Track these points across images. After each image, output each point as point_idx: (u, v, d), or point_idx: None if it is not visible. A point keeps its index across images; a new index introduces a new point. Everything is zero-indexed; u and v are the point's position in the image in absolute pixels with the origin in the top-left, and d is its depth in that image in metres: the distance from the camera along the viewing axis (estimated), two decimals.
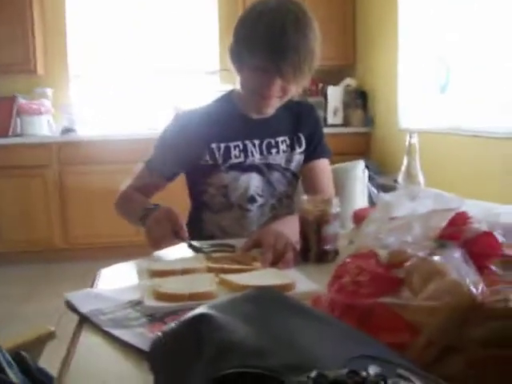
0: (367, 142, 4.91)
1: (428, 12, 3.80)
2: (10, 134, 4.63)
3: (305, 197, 1.27)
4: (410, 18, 4.06)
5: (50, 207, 4.55)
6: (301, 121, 1.72)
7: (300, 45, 1.46)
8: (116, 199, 1.66)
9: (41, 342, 1.05)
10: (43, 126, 4.69)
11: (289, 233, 1.30)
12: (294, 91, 1.60)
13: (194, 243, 1.34)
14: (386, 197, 0.94)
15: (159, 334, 0.61)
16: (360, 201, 1.90)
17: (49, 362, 1.05)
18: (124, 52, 5.14)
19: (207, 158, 1.62)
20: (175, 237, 1.32)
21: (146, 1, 5.13)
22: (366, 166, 2.12)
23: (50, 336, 1.07)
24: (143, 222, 1.41)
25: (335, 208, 1.24)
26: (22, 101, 4.73)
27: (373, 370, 0.50)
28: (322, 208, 1.23)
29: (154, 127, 4.59)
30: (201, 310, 0.59)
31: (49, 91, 4.85)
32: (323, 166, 1.73)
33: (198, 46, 5.21)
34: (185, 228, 1.33)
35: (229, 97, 1.72)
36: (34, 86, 4.86)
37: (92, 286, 1.15)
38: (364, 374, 0.47)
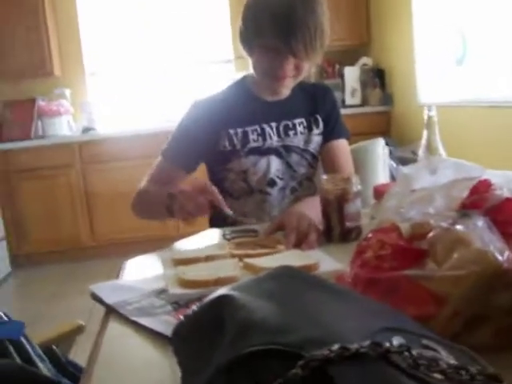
0: (387, 120, 4.86)
1: None
2: (33, 136, 4.69)
3: (324, 176, 1.26)
4: None
5: (75, 206, 4.60)
6: (317, 102, 1.70)
7: (309, 21, 1.44)
8: (132, 200, 1.62)
9: (70, 336, 1.06)
10: (64, 127, 4.74)
11: (311, 214, 1.29)
12: (308, 69, 1.57)
13: (229, 212, 1.30)
14: (406, 169, 0.92)
15: (181, 317, 0.61)
16: (382, 178, 1.88)
17: (79, 355, 1.06)
18: (138, 47, 5.15)
19: (226, 143, 1.61)
20: (212, 207, 1.26)
21: None
22: (386, 143, 2.10)
23: (79, 330, 1.09)
24: (171, 206, 1.30)
25: (356, 186, 1.23)
26: (41, 103, 4.79)
27: (397, 340, 0.49)
28: (342, 186, 1.22)
29: (172, 119, 4.61)
30: (221, 291, 0.59)
31: (67, 91, 4.90)
32: (342, 146, 1.71)
33: (211, 36, 5.20)
34: (219, 197, 1.27)
35: (242, 82, 1.71)
36: (52, 88, 4.91)
37: (117, 278, 1.16)
38: (387, 345, 0.46)
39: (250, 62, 1.59)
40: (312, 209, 1.32)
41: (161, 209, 1.35)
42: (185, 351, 0.58)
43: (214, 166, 1.69)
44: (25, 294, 4.05)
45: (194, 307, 0.61)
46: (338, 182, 1.22)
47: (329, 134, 1.69)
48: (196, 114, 1.65)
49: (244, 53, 1.60)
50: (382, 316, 0.57)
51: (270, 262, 1.04)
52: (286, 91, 1.62)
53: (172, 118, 4.64)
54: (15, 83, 4.92)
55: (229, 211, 1.28)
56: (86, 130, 4.76)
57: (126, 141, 4.58)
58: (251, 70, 1.62)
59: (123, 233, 4.58)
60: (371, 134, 4.14)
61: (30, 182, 4.55)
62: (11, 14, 4.64)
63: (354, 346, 0.45)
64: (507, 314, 0.65)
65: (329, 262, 1.06)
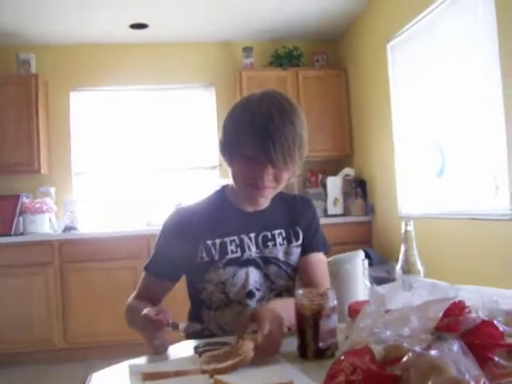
0: (368, 230, 4.90)
1: (420, 99, 3.91)
2: (13, 232, 4.65)
3: (300, 291, 1.24)
4: (403, 105, 4.17)
5: (49, 305, 4.47)
6: (297, 215, 1.70)
7: (287, 131, 1.47)
8: (124, 312, 1.62)
9: None
10: (45, 225, 4.72)
11: (283, 314, 1.27)
12: (287, 179, 1.58)
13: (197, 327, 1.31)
14: (379, 289, 0.91)
15: None
16: (361, 292, 1.86)
17: None
18: (125, 150, 5.26)
19: (203, 254, 1.60)
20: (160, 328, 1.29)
21: (147, 100, 5.32)
22: (368, 255, 2.10)
23: None
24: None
25: (332, 301, 1.21)
26: (25, 200, 4.79)
27: None
28: (318, 302, 1.19)
29: (154, 223, 4.63)
30: None
31: (52, 190, 4.92)
32: (319, 259, 1.69)
33: (197, 143, 5.33)
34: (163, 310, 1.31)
35: (222, 192, 1.72)
36: (37, 185, 4.95)
37: None
38: None
39: (229, 172, 1.61)
40: (285, 310, 1.29)
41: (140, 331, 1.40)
42: None
43: (192, 277, 1.67)
44: None
45: None
46: (313, 298, 1.20)
47: (307, 247, 1.68)
48: (174, 225, 1.65)
49: (224, 162, 1.63)
50: None
51: (242, 379, 1.00)
52: (264, 202, 1.63)
53: (153, 221, 4.67)
54: (2, 178, 4.95)
55: (196, 326, 1.30)
56: (67, 228, 4.73)
57: (106, 242, 4.55)
58: (230, 178, 1.63)
59: (97, 336, 4.43)
60: (353, 243, 4.18)
61: (5, 279, 4.44)
62: (3, 108, 4.76)
63: None
64: None
65: (303, 381, 1.02)
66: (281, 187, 1.60)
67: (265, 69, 5.24)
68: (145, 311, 1.32)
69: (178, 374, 1.07)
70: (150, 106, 5.32)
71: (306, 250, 1.68)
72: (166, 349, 1.32)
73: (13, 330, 4.40)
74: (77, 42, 5.13)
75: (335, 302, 1.21)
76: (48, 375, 4.06)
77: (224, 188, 1.73)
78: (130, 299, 1.64)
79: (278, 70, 5.16)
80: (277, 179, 1.54)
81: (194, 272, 1.64)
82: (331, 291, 1.21)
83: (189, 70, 5.32)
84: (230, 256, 1.60)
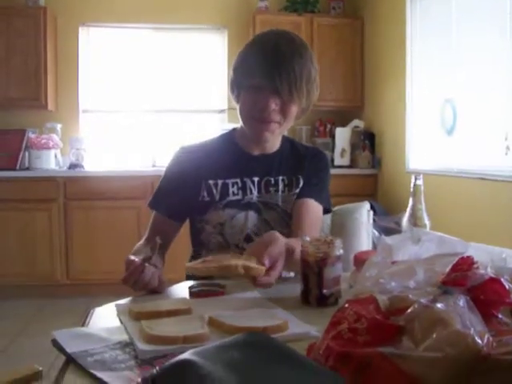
0: (374, 183, 4.89)
1: (435, 55, 3.83)
2: (18, 167, 4.65)
3: (307, 238, 1.23)
4: (418, 60, 4.09)
5: (52, 241, 4.52)
6: (303, 163, 1.67)
7: (295, 61, 1.46)
8: None
9: (26, 382, 1.00)
10: (51, 161, 4.71)
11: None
12: (294, 114, 1.55)
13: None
14: (388, 240, 0.90)
15: (139, 381, 0.57)
16: (365, 243, 1.86)
17: None
18: (133, 89, 5.19)
19: (204, 193, 1.59)
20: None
21: (157, 40, 5.22)
22: (373, 208, 2.09)
23: (36, 376, 1.03)
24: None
25: (338, 250, 1.20)
26: (31, 135, 4.77)
27: None
28: (323, 250, 1.19)
29: (159, 164, 4.62)
30: (185, 356, 0.56)
31: (58, 126, 4.89)
32: (314, 208, 1.63)
33: (207, 86, 5.26)
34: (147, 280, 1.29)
35: (230, 134, 1.70)
36: (43, 121, 4.90)
37: (83, 325, 1.11)
38: None
39: (237, 110, 1.58)
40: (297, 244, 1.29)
41: None
42: None
43: (193, 217, 1.66)
44: None
45: (155, 370, 0.57)
46: (320, 245, 1.19)
47: (306, 192, 1.63)
48: (178, 162, 1.65)
49: (233, 101, 1.61)
50: None
51: (237, 319, 1.00)
52: (271, 138, 1.58)
53: (159, 163, 4.66)
54: (7, 112, 4.91)
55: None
56: (72, 166, 4.73)
57: (111, 181, 4.55)
58: (239, 119, 1.61)
59: (99, 273, 4.49)
60: (358, 195, 4.16)
61: (9, 213, 4.48)
62: (11, 43, 4.68)
63: None
64: None
65: (297, 324, 1.03)
66: (288, 124, 1.57)
67: (279, 13, 5.11)
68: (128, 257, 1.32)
69: (169, 313, 1.07)
70: (160, 45, 5.22)
71: (303, 194, 1.63)
72: (163, 288, 1.33)
73: (16, 264, 4.47)
74: None
75: (341, 251, 1.20)
76: (50, 309, 4.14)
77: (233, 130, 1.71)
78: (141, 240, 1.63)
79: (292, 16, 5.03)
80: (283, 112, 1.51)
81: (194, 211, 1.63)
82: (338, 240, 1.21)
83: (201, 10, 5.18)
84: (231, 198, 1.59)
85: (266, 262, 1.20)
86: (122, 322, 1.06)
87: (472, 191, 3.36)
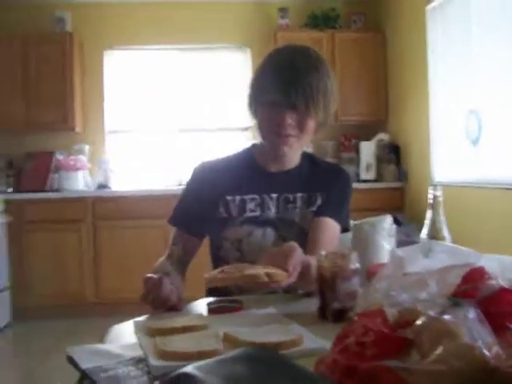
0: (401, 196, 4.84)
1: (457, 65, 3.79)
2: (48, 188, 4.75)
3: (322, 252, 1.23)
4: (441, 71, 4.06)
5: (82, 261, 4.59)
6: (323, 180, 1.65)
7: (311, 76, 1.47)
8: None
9: None
10: (79, 181, 4.80)
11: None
12: (312, 128, 1.55)
13: None
14: (399, 252, 0.89)
15: None
16: (386, 257, 1.83)
17: None
18: (159, 110, 5.26)
19: (222, 210, 1.60)
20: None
21: (181, 60, 5.29)
22: (398, 221, 2.06)
23: None
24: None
25: (354, 263, 1.19)
26: (59, 157, 4.87)
27: None
28: (339, 264, 1.18)
29: (184, 183, 4.65)
30: (185, 369, 0.56)
31: (86, 148, 4.99)
32: (331, 227, 1.60)
33: (231, 104, 5.30)
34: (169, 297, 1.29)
35: (249, 150, 1.71)
36: (71, 143, 5.02)
37: (101, 342, 1.12)
38: None
39: (256, 125, 1.60)
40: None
41: None
42: None
43: (212, 233, 1.66)
44: (19, 348, 3.98)
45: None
46: (335, 259, 1.19)
47: (324, 210, 1.61)
48: (198, 177, 1.68)
49: (251, 117, 1.62)
50: None
51: (252, 335, 1.00)
52: (289, 152, 1.57)
53: (184, 182, 4.69)
54: (36, 135, 5.03)
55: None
56: (100, 186, 4.81)
57: (138, 200, 4.62)
58: (258, 136, 1.62)
59: (128, 292, 4.51)
60: (385, 209, 4.11)
61: (40, 234, 4.57)
62: (40, 68, 4.81)
63: None
64: None
65: (311, 339, 1.02)
66: (306, 138, 1.58)
67: (300, 30, 5.14)
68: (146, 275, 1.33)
69: (185, 329, 1.07)
70: (184, 65, 5.29)
71: (321, 212, 1.61)
72: (183, 306, 1.33)
73: (46, 285, 4.54)
74: (112, 0, 5.10)
75: (357, 265, 1.19)
76: (79, 328, 4.19)
77: (252, 147, 1.72)
78: (162, 257, 1.64)
79: (313, 32, 5.05)
80: (300, 127, 1.52)
81: (213, 227, 1.63)
82: (354, 253, 1.20)
83: (223, 30, 5.25)
84: (248, 214, 1.59)
85: (291, 269, 1.20)
86: (138, 339, 1.07)
87: (498, 202, 3.30)
